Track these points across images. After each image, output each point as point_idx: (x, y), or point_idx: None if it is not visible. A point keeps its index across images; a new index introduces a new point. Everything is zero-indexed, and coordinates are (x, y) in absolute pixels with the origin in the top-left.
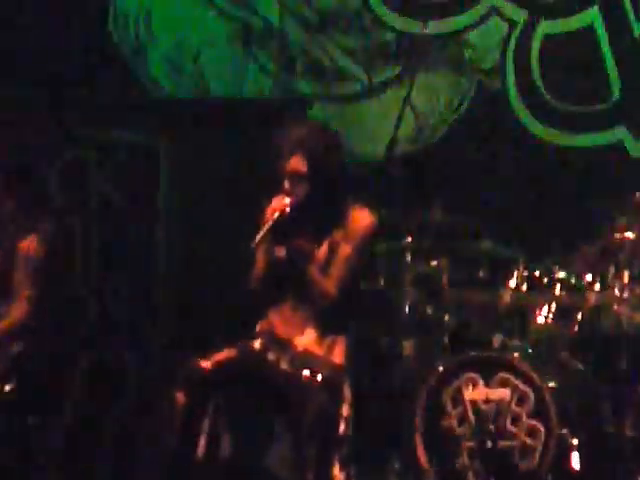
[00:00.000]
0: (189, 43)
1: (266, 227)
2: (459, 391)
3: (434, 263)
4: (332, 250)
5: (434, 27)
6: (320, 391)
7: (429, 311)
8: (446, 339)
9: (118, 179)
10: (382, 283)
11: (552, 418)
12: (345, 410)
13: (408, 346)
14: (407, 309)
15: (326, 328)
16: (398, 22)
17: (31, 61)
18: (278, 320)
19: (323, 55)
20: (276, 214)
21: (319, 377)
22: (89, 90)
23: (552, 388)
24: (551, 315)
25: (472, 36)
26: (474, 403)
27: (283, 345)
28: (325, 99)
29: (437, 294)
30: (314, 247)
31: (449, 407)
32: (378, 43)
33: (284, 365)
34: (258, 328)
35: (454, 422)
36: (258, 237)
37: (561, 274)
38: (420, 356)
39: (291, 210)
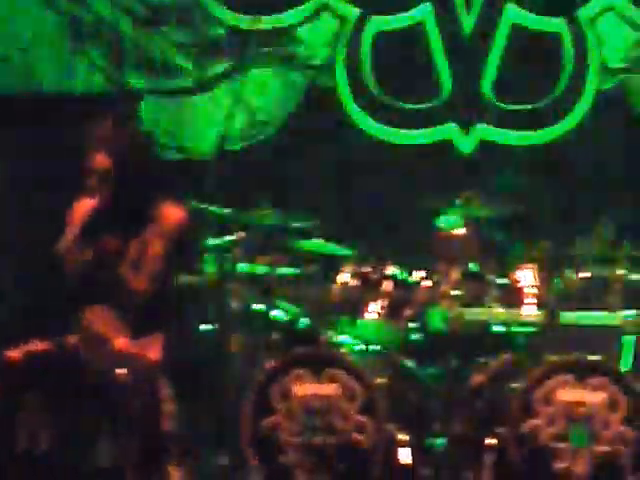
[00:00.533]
0: (18, 37)
1: (71, 229)
2: (288, 387)
3: (264, 259)
4: (143, 248)
5: (265, 22)
6: (134, 389)
7: (258, 307)
8: (276, 335)
9: None
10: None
11: (381, 415)
12: (167, 407)
13: (236, 343)
14: (236, 305)
15: (141, 326)
16: (229, 17)
17: None
18: (95, 319)
19: (154, 50)
20: (82, 214)
21: (131, 375)
22: None
23: (381, 384)
24: (381, 311)
25: (303, 32)
26: (303, 399)
27: (100, 343)
28: (156, 94)
29: (267, 291)
30: (121, 246)
31: (277, 403)
32: (209, 38)
33: (99, 363)
34: (77, 325)
35: (282, 418)
36: (63, 240)
37: (391, 270)
38: (248, 353)
39: (98, 209)
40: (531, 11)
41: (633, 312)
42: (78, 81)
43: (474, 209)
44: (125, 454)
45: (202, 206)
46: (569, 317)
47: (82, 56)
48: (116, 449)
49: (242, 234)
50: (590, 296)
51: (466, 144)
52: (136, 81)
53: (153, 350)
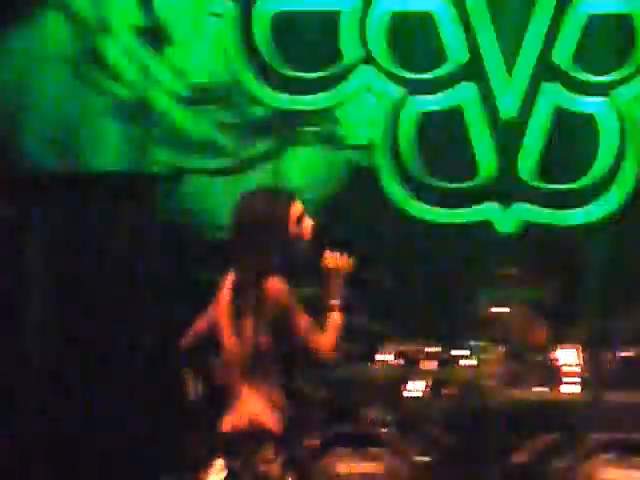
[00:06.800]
0: (66, 118)
1: None
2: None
3: None
4: None
5: (307, 102)
6: None
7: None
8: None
9: None
10: None
11: None
12: None
13: None
14: None
15: None
16: (271, 97)
17: None
18: None
19: (194, 129)
20: None
21: None
22: None
23: (424, 463)
24: (423, 390)
25: (344, 112)
26: (346, 478)
27: None
28: (197, 174)
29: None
30: None
31: None
32: (250, 118)
33: None
34: None
35: None
36: None
37: (432, 349)
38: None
39: None
40: (570, 91)
41: None
42: (123, 160)
43: (517, 289)
44: None
45: None
46: (611, 396)
47: (124, 135)
48: None
49: None
50: (631, 375)
51: (506, 224)
52: (177, 160)
53: None
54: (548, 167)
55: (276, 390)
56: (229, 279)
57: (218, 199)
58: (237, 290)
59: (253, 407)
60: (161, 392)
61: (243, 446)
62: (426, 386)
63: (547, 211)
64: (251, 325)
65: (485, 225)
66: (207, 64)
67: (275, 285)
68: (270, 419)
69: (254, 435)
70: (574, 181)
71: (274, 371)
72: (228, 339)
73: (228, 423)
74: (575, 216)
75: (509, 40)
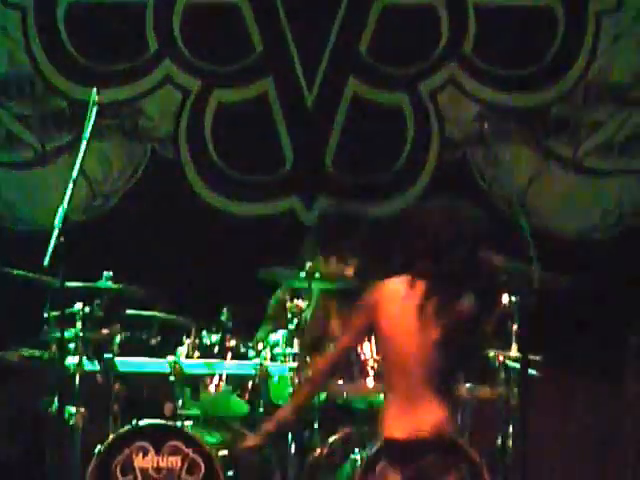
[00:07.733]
0: None
1: None
2: (129, 459)
3: (106, 331)
4: None
5: (108, 94)
6: None
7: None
8: (117, 407)
9: None
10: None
11: None
12: None
13: (79, 416)
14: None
15: None
16: (70, 89)
17: None
18: None
19: None
20: None
21: None
22: None
23: (224, 457)
24: (223, 383)
25: (145, 104)
26: (144, 471)
27: None
28: None
29: (108, 363)
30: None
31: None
32: (50, 110)
33: None
34: None
35: None
36: None
37: (232, 342)
38: (91, 425)
39: None
40: (373, 84)
41: None
42: None
43: (318, 280)
44: None
45: (42, 278)
46: None
47: None
48: None
49: (83, 304)
50: None
51: (309, 216)
52: None
53: None
54: (353, 159)
55: (449, 399)
56: (410, 286)
57: (16, 192)
58: (432, 300)
59: (435, 414)
60: None
61: (421, 454)
62: (222, 380)
63: (353, 202)
64: (441, 335)
65: (290, 216)
66: (6, 55)
67: (471, 306)
68: (450, 427)
69: (435, 443)
70: (380, 172)
71: (449, 382)
72: (412, 346)
73: (399, 429)
74: (381, 207)
75: (313, 33)
